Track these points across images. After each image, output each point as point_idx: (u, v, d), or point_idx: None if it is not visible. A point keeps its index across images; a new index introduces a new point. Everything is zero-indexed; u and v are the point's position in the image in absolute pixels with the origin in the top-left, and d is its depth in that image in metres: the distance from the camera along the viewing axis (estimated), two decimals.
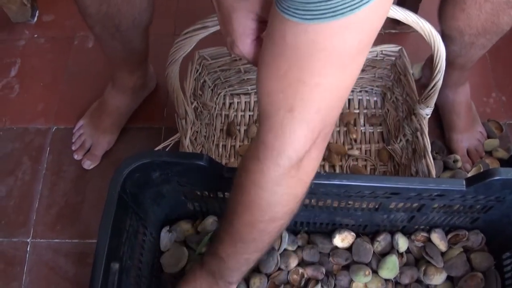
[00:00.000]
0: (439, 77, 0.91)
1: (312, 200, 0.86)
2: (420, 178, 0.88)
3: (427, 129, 0.99)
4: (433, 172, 0.95)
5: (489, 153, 1.22)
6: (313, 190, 0.80)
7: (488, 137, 1.24)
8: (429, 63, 1.23)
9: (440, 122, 1.25)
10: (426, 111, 0.99)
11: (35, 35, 1.46)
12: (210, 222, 0.96)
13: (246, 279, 0.96)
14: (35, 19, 1.49)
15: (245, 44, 0.67)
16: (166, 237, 0.94)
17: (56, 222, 1.17)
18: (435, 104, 1.23)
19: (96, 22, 0.97)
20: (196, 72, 1.08)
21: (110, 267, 0.74)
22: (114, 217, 0.74)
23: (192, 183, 0.84)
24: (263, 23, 0.65)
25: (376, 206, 0.87)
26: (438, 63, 0.89)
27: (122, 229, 0.78)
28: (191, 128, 1.00)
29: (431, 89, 0.93)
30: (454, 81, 1.15)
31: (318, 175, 0.77)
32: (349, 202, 0.86)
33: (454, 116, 1.20)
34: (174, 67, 0.89)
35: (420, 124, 1.01)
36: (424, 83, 1.23)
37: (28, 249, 1.15)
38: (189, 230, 0.98)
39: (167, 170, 0.80)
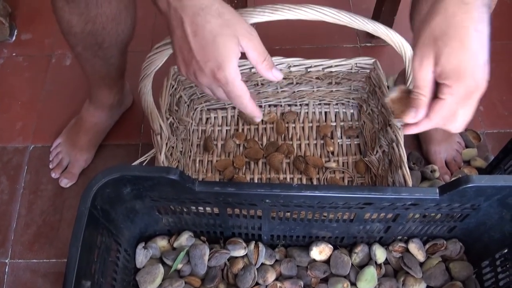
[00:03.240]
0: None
1: (287, 213, 0.86)
2: (393, 187, 0.88)
3: (402, 140, 0.99)
4: (410, 182, 0.95)
5: (468, 163, 1.23)
6: (286, 203, 0.80)
7: (466, 147, 1.24)
8: (402, 76, 1.24)
9: (417, 133, 1.26)
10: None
11: (13, 54, 1.47)
12: (185, 237, 0.95)
13: None
14: (14, 37, 1.49)
15: (232, 68, 0.66)
16: (141, 253, 0.93)
17: (34, 242, 1.16)
18: None
19: (79, 41, 0.98)
20: (172, 88, 1.08)
21: (81, 285, 0.72)
22: (84, 234, 0.72)
23: (165, 198, 0.83)
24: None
25: (351, 217, 0.87)
26: (410, 73, 0.90)
27: (93, 246, 0.77)
28: (167, 143, 1.00)
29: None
30: None
31: (289, 187, 0.77)
32: (324, 214, 0.86)
33: (431, 129, 1.20)
34: (146, 82, 0.89)
35: (395, 135, 1.01)
36: None
37: (6, 270, 1.13)
38: (165, 247, 0.97)
39: (138, 185, 0.79)
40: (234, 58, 0.66)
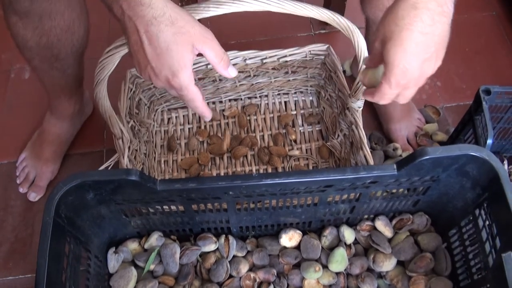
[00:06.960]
0: None
1: (251, 204, 0.87)
2: (351, 167, 0.89)
3: (361, 121, 1.01)
4: (371, 162, 0.97)
5: (430, 138, 1.25)
6: (249, 193, 0.81)
7: (427, 122, 1.27)
8: (356, 59, 1.26)
9: (377, 113, 1.27)
10: (358, 104, 1.00)
11: None
12: (155, 238, 0.95)
13: None
14: None
15: (186, 75, 0.69)
16: (112, 258, 0.93)
17: (8, 259, 1.16)
18: None
19: (35, 55, 0.99)
20: (130, 91, 1.08)
21: None
22: (50, 244, 0.72)
23: (129, 200, 0.84)
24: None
25: (315, 201, 0.88)
26: (360, 55, 0.91)
27: (61, 255, 0.77)
28: (129, 147, 1.00)
29: (358, 81, 0.95)
30: None
31: (250, 177, 0.78)
32: (288, 200, 0.87)
33: (390, 108, 1.22)
34: (101, 87, 0.89)
35: (354, 118, 1.02)
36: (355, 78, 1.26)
37: None
38: (136, 249, 0.97)
39: (100, 190, 0.79)
40: (188, 66, 0.69)
